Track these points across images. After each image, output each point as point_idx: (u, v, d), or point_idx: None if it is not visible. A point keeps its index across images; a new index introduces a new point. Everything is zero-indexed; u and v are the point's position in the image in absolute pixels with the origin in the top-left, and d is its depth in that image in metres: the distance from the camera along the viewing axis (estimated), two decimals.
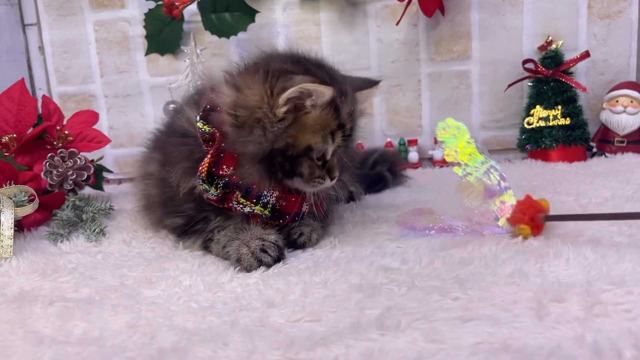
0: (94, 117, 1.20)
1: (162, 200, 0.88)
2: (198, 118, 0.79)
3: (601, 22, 1.44)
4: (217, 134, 0.76)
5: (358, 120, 0.83)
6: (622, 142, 1.41)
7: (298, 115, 0.74)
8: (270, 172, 0.76)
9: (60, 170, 1.00)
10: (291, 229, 0.84)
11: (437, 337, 0.51)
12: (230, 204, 0.80)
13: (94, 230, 0.95)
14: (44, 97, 1.19)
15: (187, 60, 1.41)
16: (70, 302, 0.66)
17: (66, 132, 1.14)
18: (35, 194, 0.93)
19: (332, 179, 0.80)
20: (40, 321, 0.61)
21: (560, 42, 1.43)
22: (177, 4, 1.40)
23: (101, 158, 1.24)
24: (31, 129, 1.12)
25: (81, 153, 1.10)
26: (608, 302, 0.56)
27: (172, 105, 1.42)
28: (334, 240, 0.85)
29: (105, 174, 1.34)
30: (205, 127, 0.78)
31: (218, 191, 0.79)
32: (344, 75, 0.84)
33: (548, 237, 0.78)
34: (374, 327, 0.54)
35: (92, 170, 1.04)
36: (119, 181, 1.58)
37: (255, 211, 0.80)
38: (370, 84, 0.87)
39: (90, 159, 1.15)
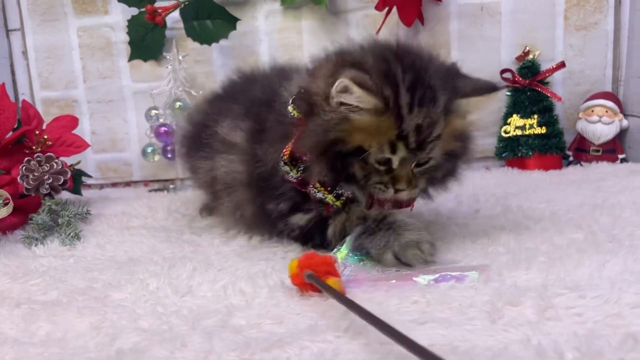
0: (73, 122, 1.21)
1: (253, 179, 0.86)
2: (290, 101, 0.79)
3: (577, 33, 1.47)
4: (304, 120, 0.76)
5: (452, 133, 0.75)
6: (598, 151, 1.44)
7: (350, 111, 0.72)
8: (331, 170, 0.74)
9: (36, 174, 1.00)
10: None
11: (391, 340, 0.52)
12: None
13: (69, 234, 0.95)
14: (23, 101, 1.20)
15: (169, 67, 1.42)
16: (36, 305, 0.66)
17: (45, 136, 1.15)
18: (10, 197, 0.94)
19: (395, 191, 0.75)
20: (5, 323, 0.62)
21: (537, 53, 1.45)
22: (159, 11, 1.41)
23: (78, 162, 1.24)
24: (10, 133, 1.13)
25: (60, 157, 1.11)
26: (560, 306, 0.57)
27: (154, 111, 1.43)
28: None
29: (86, 179, 1.35)
30: (295, 111, 0.78)
31: (299, 174, 0.79)
32: (455, 79, 0.75)
33: None
34: (331, 329, 0.55)
35: (69, 175, 1.05)
36: (101, 186, 1.59)
37: (326, 199, 0.79)
38: (484, 90, 0.75)
39: (69, 163, 1.16)
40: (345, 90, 0.70)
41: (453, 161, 0.79)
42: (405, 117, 0.71)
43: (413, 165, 0.74)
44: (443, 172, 0.79)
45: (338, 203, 0.80)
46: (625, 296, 0.58)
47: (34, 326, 0.61)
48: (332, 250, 0.76)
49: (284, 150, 0.79)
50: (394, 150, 0.72)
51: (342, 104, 0.71)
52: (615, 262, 0.70)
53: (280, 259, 0.82)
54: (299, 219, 0.83)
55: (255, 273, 0.74)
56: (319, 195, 0.79)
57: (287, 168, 0.79)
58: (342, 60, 0.73)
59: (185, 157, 1.08)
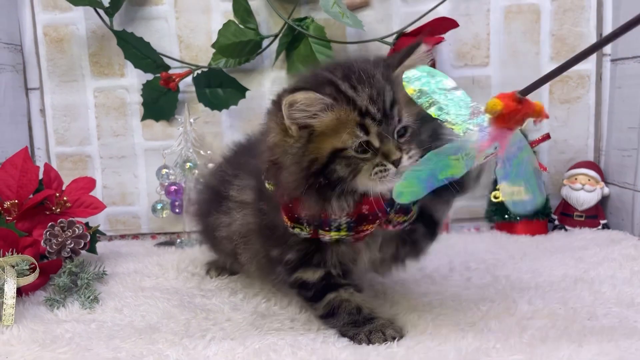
0: (91, 183, 1.29)
1: (262, 227, 0.92)
2: (263, 178, 0.86)
3: (562, 106, 1.59)
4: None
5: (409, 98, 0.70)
6: (581, 216, 1.53)
7: (311, 129, 0.76)
8: (320, 194, 0.77)
9: (59, 239, 1.07)
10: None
11: None
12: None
13: (88, 297, 1.02)
14: (45, 165, 1.28)
15: (180, 128, 1.51)
16: None
17: (65, 198, 1.23)
18: (36, 263, 1.01)
19: (393, 163, 0.75)
20: None
21: (524, 124, 1.56)
22: (173, 77, 1.51)
23: (98, 226, 1.31)
24: (31, 195, 1.20)
25: (77, 217, 1.18)
26: None
27: (164, 170, 1.51)
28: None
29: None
30: (269, 185, 0.84)
31: (309, 229, 0.83)
32: (384, 61, 0.81)
33: None
34: None
35: (88, 238, 1.12)
36: (110, 238, 1.65)
37: (332, 237, 0.83)
38: (410, 51, 0.79)
39: (84, 222, 1.23)
40: (293, 103, 0.74)
41: (431, 122, 0.79)
42: (354, 96, 0.75)
43: (395, 136, 0.76)
44: (428, 133, 0.81)
45: (343, 233, 0.83)
46: None
47: None
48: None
49: (285, 220, 0.84)
50: (367, 131, 0.75)
51: (298, 121, 0.75)
52: (592, 341, 0.78)
53: (288, 329, 0.89)
54: (311, 276, 0.88)
55: (267, 345, 0.81)
56: (327, 238, 0.84)
57: (297, 230, 0.84)
58: (278, 97, 0.78)
59: (199, 217, 1.15)
